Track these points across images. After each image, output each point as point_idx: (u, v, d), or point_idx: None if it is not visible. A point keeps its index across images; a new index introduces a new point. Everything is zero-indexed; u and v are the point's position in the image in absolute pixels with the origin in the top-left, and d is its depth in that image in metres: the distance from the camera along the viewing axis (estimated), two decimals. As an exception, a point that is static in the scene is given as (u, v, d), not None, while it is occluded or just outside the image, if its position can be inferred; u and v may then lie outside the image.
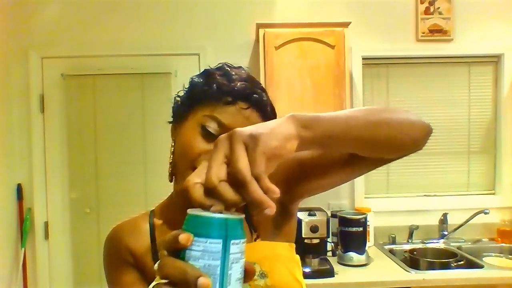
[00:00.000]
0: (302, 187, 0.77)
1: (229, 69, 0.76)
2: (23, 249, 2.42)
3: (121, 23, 2.50)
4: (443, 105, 2.60)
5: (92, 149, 2.49)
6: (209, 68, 0.79)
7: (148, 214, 0.84)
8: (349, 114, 0.59)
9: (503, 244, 2.38)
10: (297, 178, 0.76)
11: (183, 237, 0.41)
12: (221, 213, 0.43)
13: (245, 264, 0.45)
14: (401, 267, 2.03)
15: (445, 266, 2.08)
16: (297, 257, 0.82)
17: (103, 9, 2.49)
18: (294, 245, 0.82)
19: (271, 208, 0.42)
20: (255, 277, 0.72)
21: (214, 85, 0.72)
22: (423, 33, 2.53)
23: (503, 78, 2.56)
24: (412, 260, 2.16)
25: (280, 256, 0.77)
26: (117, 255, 0.78)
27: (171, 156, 0.79)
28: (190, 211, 0.44)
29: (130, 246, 0.77)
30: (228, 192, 0.42)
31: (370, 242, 2.33)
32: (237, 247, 0.43)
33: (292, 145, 0.48)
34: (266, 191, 0.42)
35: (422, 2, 2.53)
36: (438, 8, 2.53)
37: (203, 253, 0.41)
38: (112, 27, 2.50)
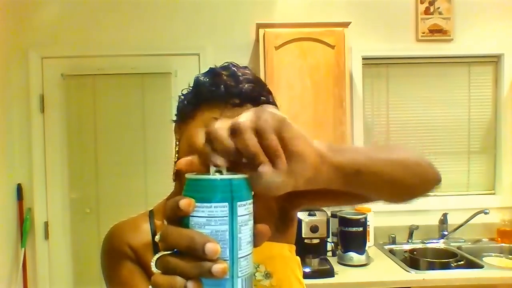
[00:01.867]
0: (302, 198, 0.76)
1: (235, 69, 0.76)
2: (23, 249, 2.42)
3: (121, 23, 2.50)
4: (443, 105, 2.60)
5: (92, 149, 2.48)
6: (215, 67, 0.79)
7: (147, 214, 0.83)
8: (368, 149, 0.55)
9: (503, 244, 2.38)
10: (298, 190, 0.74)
11: (184, 202, 0.37)
12: (221, 174, 0.39)
13: (256, 226, 0.41)
14: (401, 267, 2.03)
15: (445, 266, 2.08)
16: (298, 258, 0.82)
17: (103, 9, 2.49)
18: (294, 247, 0.82)
19: (266, 165, 0.37)
20: (260, 277, 0.72)
21: (222, 86, 0.71)
22: (423, 33, 2.53)
23: (503, 78, 2.56)
24: (412, 260, 2.16)
25: (282, 257, 0.77)
26: (117, 251, 0.76)
27: (176, 155, 0.77)
28: (188, 175, 0.40)
29: (131, 242, 0.76)
30: (224, 137, 0.37)
31: (370, 242, 2.33)
32: (244, 208, 0.39)
33: (316, 162, 0.41)
34: (275, 153, 0.37)
35: (422, 2, 2.53)
36: (438, 8, 2.53)
37: (208, 219, 0.37)
38: (112, 27, 2.50)
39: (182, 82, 2.51)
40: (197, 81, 0.77)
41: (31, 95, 2.45)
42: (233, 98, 0.70)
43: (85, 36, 2.49)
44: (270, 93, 0.77)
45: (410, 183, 0.57)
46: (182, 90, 0.82)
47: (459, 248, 2.32)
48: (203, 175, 0.39)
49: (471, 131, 2.61)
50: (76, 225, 2.50)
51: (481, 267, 2.03)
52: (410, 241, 2.43)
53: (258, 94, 0.73)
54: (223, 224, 0.38)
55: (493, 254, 2.32)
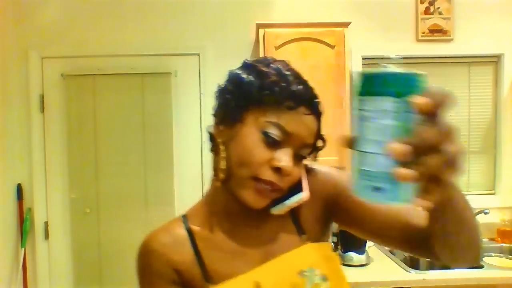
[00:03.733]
0: (345, 217, 0.78)
1: (280, 67, 0.72)
2: (23, 249, 2.42)
3: (121, 23, 2.50)
4: (443, 105, 2.59)
5: (92, 149, 2.48)
6: (252, 63, 0.74)
7: (181, 220, 0.78)
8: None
9: (503, 244, 2.38)
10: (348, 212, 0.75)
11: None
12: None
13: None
14: (401, 267, 2.03)
15: (445, 266, 2.07)
16: (338, 256, 0.81)
17: (103, 9, 2.49)
18: (331, 244, 0.81)
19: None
20: (318, 281, 0.70)
21: (275, 88, 0.67)
22: (423, 33, 2.53)
23: (503, 78, 2.56)
24: (412, 260, 2.16)
25: (331, 257, 0.75)
26: (160, 273, 0.72)
27: (223, 161, 0.70)
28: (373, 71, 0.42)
29: (174, 262, 0.72)
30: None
31: (370, 242, 2.33)
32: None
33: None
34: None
35: (422, 2, 2.53)
36: (438, 8, 2.53)
37: (374, 112, 0.40)
38: (112, 27, 2.50)
39: (182, 82, 2.51)
40: (242, 81, 0.71)
41: (31, 95, 2.45)
42: (288, 100, 0.66)
43: (85, 36, 2.49)
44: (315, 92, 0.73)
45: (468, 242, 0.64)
46: (218, 89, 0.76)
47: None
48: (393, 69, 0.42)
49: (471, 131, 2.61)
50: (76, 225, 2.50)
51: (481, 267, 2.03)
52: (410, 241, 2.42)
53: (312, 96, 0.70)
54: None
55: (493, 254, 2.32)
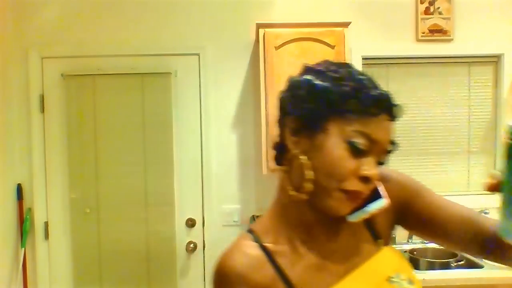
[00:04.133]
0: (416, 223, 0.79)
1: (353, 72, 0.68)
2: (23, 249, 2.42)
3: (121, 23, 2.50)
4: (443, 105, 2.60)
5: (92, 149, 2.48)
6: (323, 69, 0.70)
7: (250, 238, 0.73)
8: None
9: (503, 244, 2.38)
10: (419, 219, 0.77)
11: None
12: None
13: None
14: (401, 267, 2.03)
15: (445, 266, 2.08)
16: None
17: (103, 9, 2.49)
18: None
19: None
20: (407, 285, 0.70)
21: (358, 94, 0.64)
22: (423, 33, 2.53)
23: (503, 78, 2.56)
24: (412, 260, 2.16)
25: (404, 259, 0.75)
26: None
27: (308, 172, 0.66)
28: None
29: (258, 285, 0.67)
30: None
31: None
32: None
33: None
34: None
35: (422, 2, 2.53)
36: (438, 8, 2.53)
37: None
38: (112, 27, 2.50)
39: (182, 82, 2.51)
40: (318, 88, 0.67)
41: (31, 95, 2.45)
42: (371, 107, 0.64)
43: (85, 36, 2.49)
44: None
45: None
46: (285, 96, 0.72)
47: (459, 248, 2.32)
48: None
49: (471, 131, 2.61)
50: (76, 225, 2.50)
51: (481, 267, 2.03)
52: (410, 241, 2.43)
53: (393, 102, 0.67)
54: None
55: (493, 254, 2.32)
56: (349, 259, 0.72)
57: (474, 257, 0.82)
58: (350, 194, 0.65)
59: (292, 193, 0.69)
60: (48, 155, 2.48)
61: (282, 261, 0.69)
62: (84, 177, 2.50)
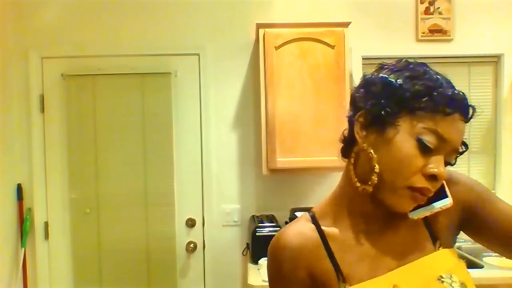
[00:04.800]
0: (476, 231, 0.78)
1: (430, 71, 0.70)
2: (23, 249, 2.43)
3: (121, 23, 2.50)
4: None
5: (92, 149, 2.48)
6: (399, 67, 0.71)
7: (309, 219, 0.76)
8: None
9: (503, 244, 2.38)
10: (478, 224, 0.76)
11: None
12: None
13: None
14: (401, 267, 2.03)
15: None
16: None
17: (103, 9, 2.49)
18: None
19: None
20: (457, 286, 0.70)
21: (434, 92, 0.65)
22: (423, 33, 2.53)
23: (503, 78, 2.56)
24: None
25: (463, 263, 0.75)
26: (293, 276, 0.71)
27: (375, 164, 0.68)
28: None
29: (312, 267, 0.71)
30: None
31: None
32: None
33: None
34: None
35: (422, 2, 2.53)
36: (438, 8, 2.53)
37: None
38: (112, 27, 2.50)
39: (182, 82, 2.51)
40: (393, 85, 0.68)
41: (31, 95, 2.45)
42: (445, 106, 0.64)
43: (85, 36, 2.49)
44: None
45: None
46: (359, 92, 0.73)
47: (459, 248, 2.32)
48: None
49: (471, 131, 2.61)
50: (76, 225, 2.50)
51: (481, 267, 2.03)
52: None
53: (467, 102, 0.67)
54: None
55: (493, 254, 2.32)
56: (403, 255, 0.72)
57: None
58: (415, 192, 0.66)
59: (358, 184, 0.71)
60: (48, 155, 2.48)
61: (335, 246, 0.72)
62: (84, 177, 2.50)
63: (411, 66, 0.71)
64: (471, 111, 0.68)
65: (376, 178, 0.67)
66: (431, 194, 0.67)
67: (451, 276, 0.70)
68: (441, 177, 0.65)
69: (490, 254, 2.32)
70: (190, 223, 2.48)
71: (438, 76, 0.68)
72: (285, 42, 2.18)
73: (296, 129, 2.18)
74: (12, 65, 2.44)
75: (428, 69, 0.71)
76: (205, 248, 2.50)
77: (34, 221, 2.46)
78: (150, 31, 2.50)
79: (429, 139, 0.64)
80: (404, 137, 0.65)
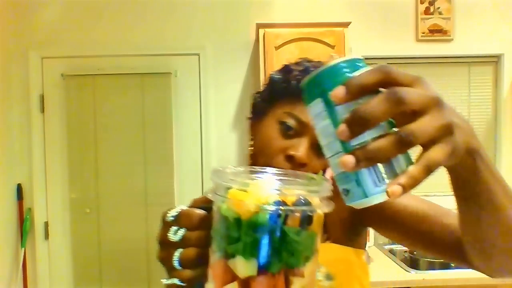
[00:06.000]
0: (372, 223, 0.77)
1: (308, 64, 0.75)
2: (23, 249, 2.43)
3: (121, 23, 2.50)
4: (443, 105, 2.59)
5: (92, 149, 2.48)
6: (289, 63, 0.78)
7: None
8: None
9: (503, 244, 2.38)
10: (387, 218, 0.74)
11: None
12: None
13: None
14: (401, 267, 2.03)
15: (445, 266, 2.08)
16: (366, 263, 0.80)
17: (103, 9, 2.49)
18: (363, 251, 0.79)
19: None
20: (321, 277, 0.71)
21: (294, 81, 0.70)
22: (423, 33, 2.53)
23: (503, 78, 2.56)
24: (412, 260, 2.16)
25: (348, 261, 0.75)
26: None
27: (251, 154, 0.77)
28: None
29: None
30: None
31: (370, 242, 2.33)
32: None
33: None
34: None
35: (422, 2, 2.53)
36: (438, 8, 2.53)
37: (314, 118, 0.38)
38: (112, 27, 2.50)
39: (182, 82, 2.51)
40: (271, 79, 0.77)
41: (31, 95, 2.45)
42: (298, 91, 0.68)
43: (85, 36, 2.49)
44: None
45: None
46: (261, 89, 0.81)
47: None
48: None
49: (471, 131, 2.61)
50: (76, 225, 2.50)
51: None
52: (410, 241, 2.42)
53: None
54: (323, 119, 0.38)
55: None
56: None
57: (446, 261, 0.77)
58: None
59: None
60: (48, 155, 2.48)
61: None
62: (84, 177, 2.50)
63: (298, 62, 0.77)
64: None
65: (250, 160, 0.75)
66: None
67: (319, 267, 0.71)
68: (299, 159, 0.66)
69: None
70: (190, 223, 2.48)
71: (310, 64, 0.74)
72: (285, 42, 2.18)
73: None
74: (12, 65, 2.44)
75: (307, 61, 0.76)
76: (205, 248, 2.50)
77: (34, 221, 2.46)
78: (150, 31, 2.49)
79: (289, 122, 0.68)
80: (269, 122, 0.72)
